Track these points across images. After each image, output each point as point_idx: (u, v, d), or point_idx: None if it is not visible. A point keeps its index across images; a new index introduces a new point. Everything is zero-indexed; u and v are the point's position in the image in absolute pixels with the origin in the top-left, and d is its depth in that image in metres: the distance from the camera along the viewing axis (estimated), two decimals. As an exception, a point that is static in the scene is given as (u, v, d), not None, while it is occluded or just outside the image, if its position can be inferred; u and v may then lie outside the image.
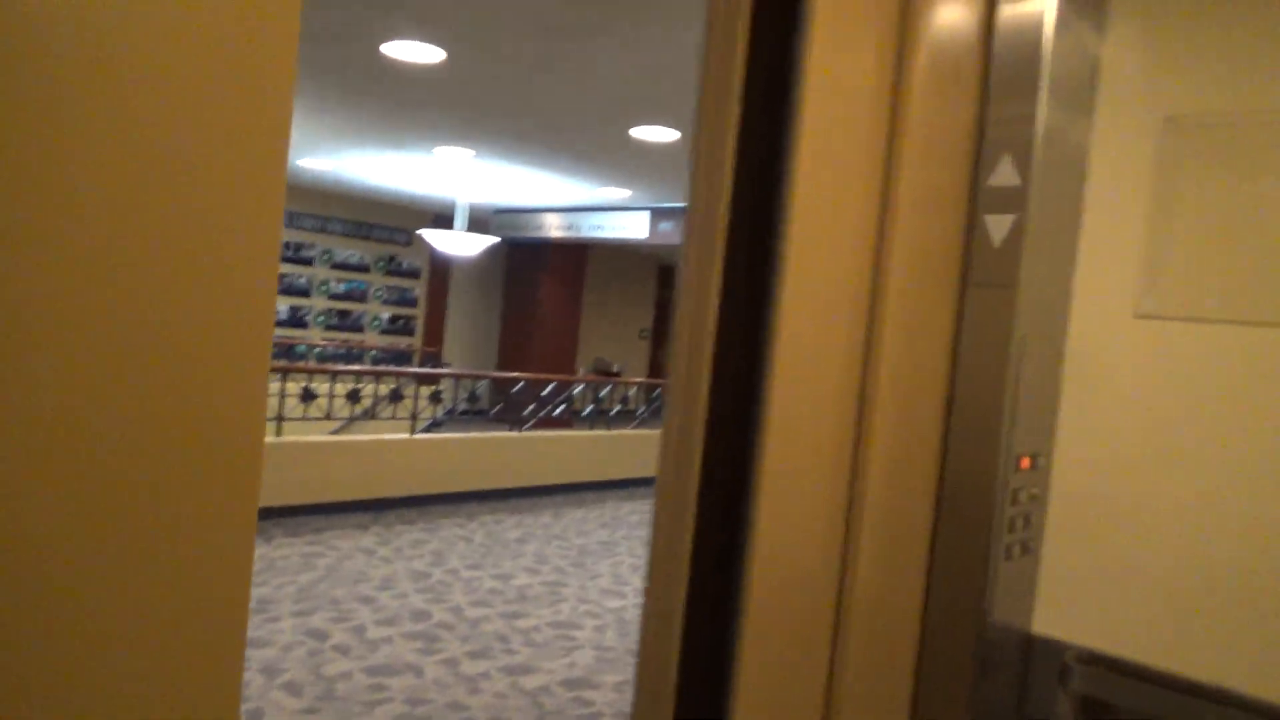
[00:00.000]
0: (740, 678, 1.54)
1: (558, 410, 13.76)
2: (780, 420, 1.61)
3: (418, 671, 6.85)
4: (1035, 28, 1.98)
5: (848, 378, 1.77)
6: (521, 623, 8.01)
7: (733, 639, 1.54)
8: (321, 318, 18.03)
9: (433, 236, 13.84)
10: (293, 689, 6.03)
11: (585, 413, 14.48)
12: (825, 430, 1.74)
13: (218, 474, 0.87)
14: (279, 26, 0.88)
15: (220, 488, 0.88)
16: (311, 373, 12.70)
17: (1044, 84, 1.96)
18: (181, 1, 0.83)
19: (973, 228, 2.05)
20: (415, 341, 19.48)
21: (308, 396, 11.15)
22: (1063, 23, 1.99)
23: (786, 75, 1.59)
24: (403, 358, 18.46)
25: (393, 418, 11.48)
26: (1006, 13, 2.03)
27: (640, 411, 16.28)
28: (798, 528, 1.68)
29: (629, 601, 8.67)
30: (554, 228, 16.21)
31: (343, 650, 7.16)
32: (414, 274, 19.58)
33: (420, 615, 8.07)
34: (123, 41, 0.83)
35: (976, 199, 2.04)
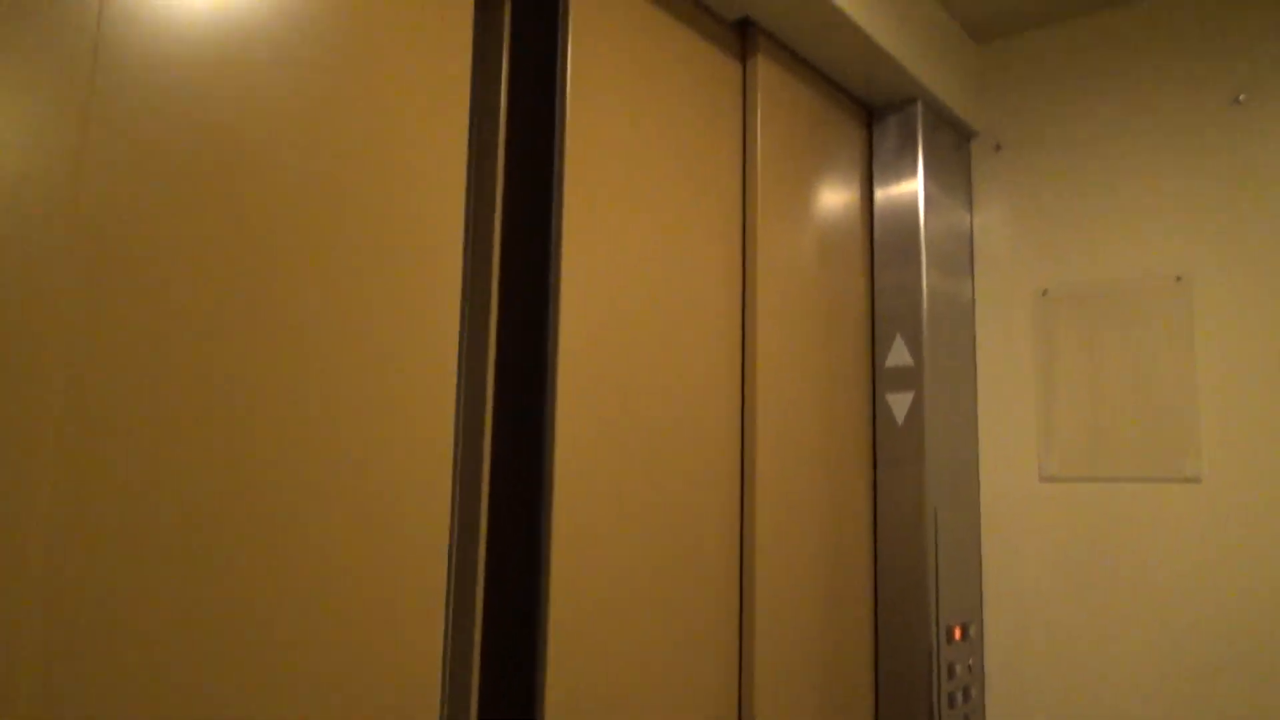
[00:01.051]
0: None
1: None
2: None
3: None
4: (910, 208, 2.14)
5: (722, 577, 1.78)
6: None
7: None
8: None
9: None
10: None
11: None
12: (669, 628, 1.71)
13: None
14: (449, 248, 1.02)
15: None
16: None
17: (924, 260, 2.10)
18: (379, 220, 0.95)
19: (876, 408, 2.13)
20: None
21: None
22: (931, 200, 2.16)
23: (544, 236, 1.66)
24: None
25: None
26: (880, 195, 2.20)
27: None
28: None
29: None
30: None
31: None
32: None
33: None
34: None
35: (877, 380, 2.14)
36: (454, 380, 1.25)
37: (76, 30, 0.89)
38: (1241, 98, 2.03)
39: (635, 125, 1.58)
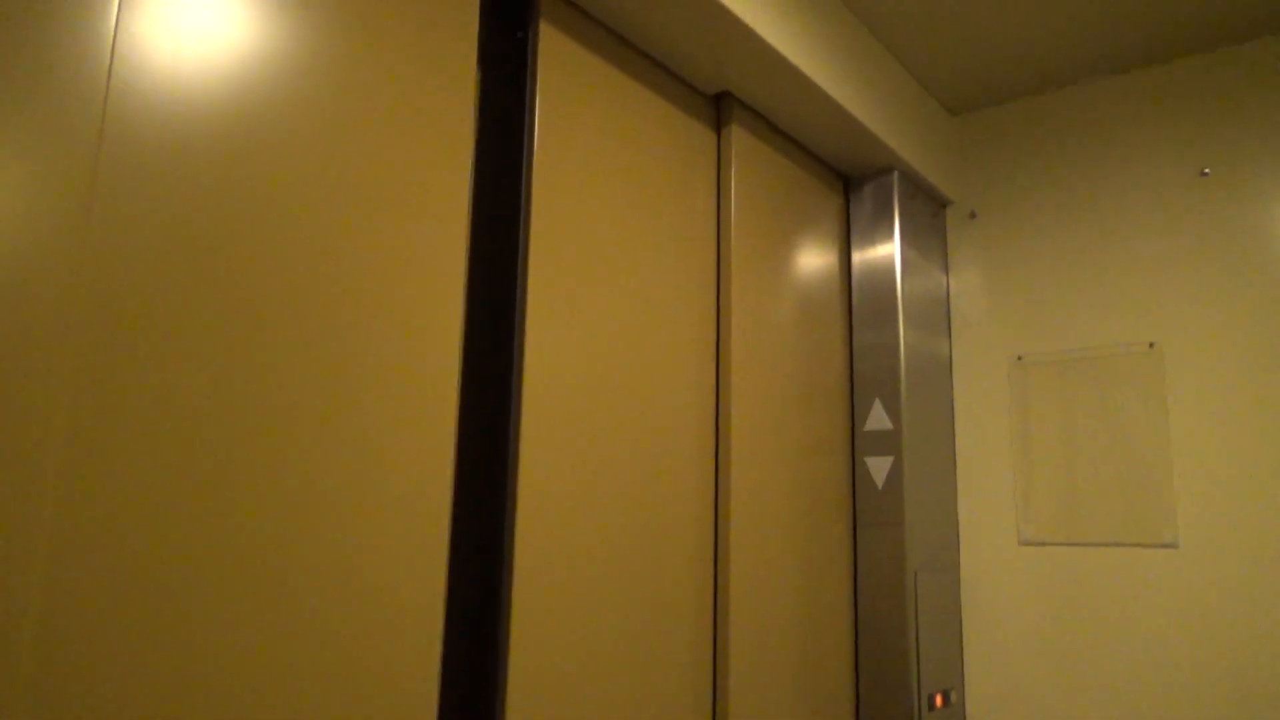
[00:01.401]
0: None
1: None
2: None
3: None
4: (887, 271, 2.18)
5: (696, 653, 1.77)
6: None
7: None
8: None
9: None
10: None
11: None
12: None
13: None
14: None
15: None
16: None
17: (901, 320, 2.14)
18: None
19: (856, 471, 2.15)
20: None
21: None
22: (908, 264, 2.20)
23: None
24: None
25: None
26: (858, 259, 2.24)
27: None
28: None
29: None
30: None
31: None
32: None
33: None
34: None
35: (856, 443, 2.16)
36: (451, 445, 1.26)
37: (84, 104, 0.92)
38: (1207, 170, 2.09)
39: (606, 191, 1.62)
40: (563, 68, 1.53)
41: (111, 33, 0.96)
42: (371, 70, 1.23)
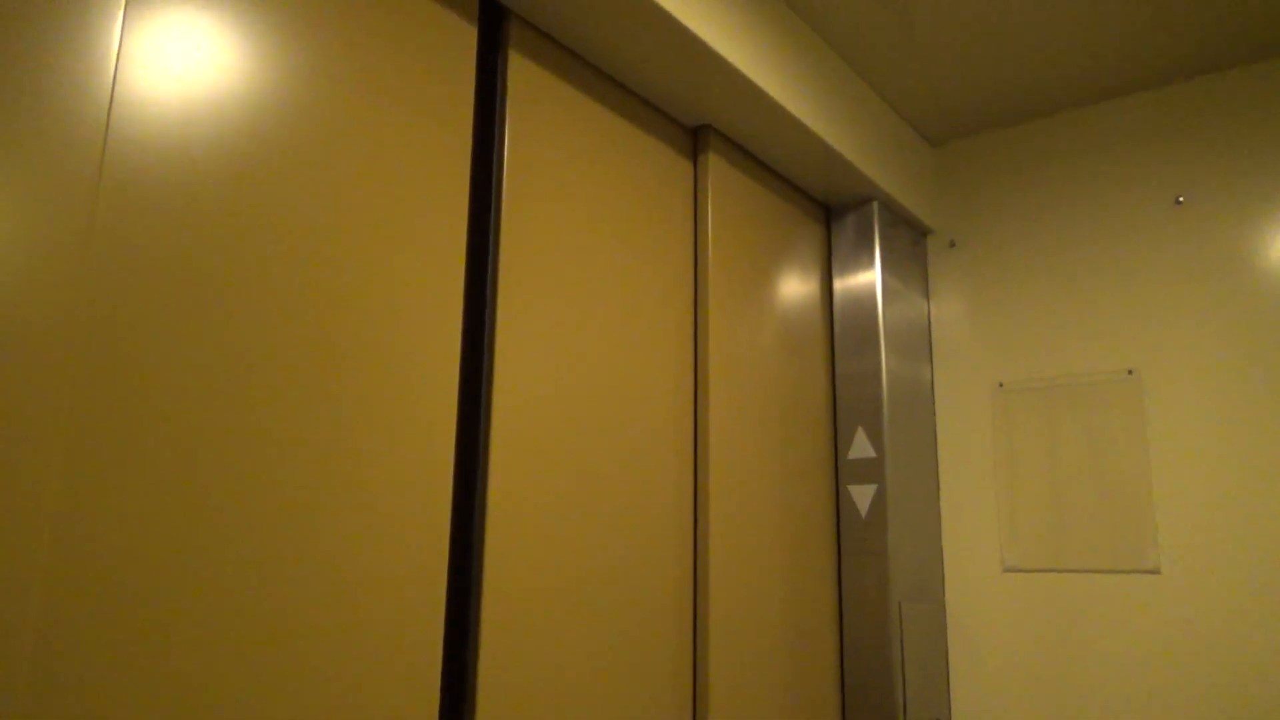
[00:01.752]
0: None
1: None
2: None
3: None
4: (869, 298, 2.20)
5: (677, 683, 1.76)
6: None
7: None
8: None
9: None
10: None
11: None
12: None
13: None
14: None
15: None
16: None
17: (883, 346, 2.15)
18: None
19: (840, 499, 2.15)
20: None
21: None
22: (889, 291, 2.22)
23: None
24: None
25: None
26: (839, 287, 2.25)
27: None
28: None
29: None
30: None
31: None
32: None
33: None
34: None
35: (839, 471, 2.16)
36: (450, 473, 1.25)
37: (85, 132, 0.92)
38: (1181, 199, 2.12)
39: (580, 220, 1.62)
40: (534, 97, 1.55)
41: (114, 59, 0.97)
42: (370, 96, 1.24)
